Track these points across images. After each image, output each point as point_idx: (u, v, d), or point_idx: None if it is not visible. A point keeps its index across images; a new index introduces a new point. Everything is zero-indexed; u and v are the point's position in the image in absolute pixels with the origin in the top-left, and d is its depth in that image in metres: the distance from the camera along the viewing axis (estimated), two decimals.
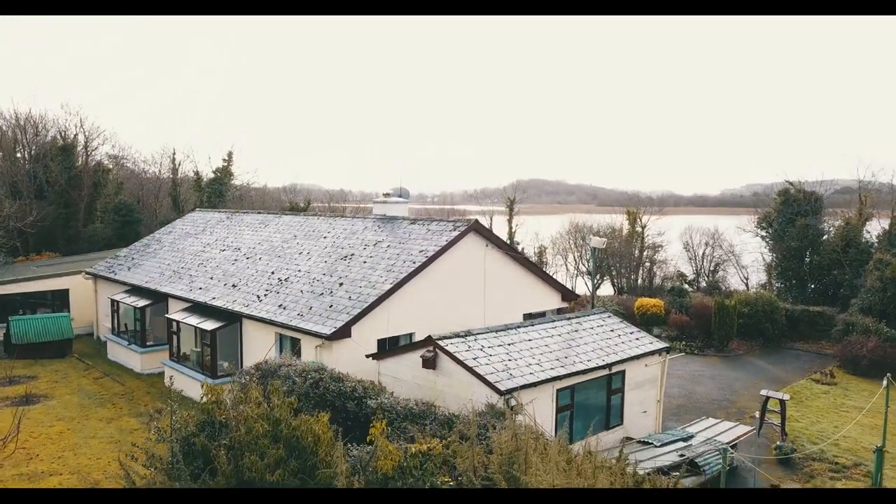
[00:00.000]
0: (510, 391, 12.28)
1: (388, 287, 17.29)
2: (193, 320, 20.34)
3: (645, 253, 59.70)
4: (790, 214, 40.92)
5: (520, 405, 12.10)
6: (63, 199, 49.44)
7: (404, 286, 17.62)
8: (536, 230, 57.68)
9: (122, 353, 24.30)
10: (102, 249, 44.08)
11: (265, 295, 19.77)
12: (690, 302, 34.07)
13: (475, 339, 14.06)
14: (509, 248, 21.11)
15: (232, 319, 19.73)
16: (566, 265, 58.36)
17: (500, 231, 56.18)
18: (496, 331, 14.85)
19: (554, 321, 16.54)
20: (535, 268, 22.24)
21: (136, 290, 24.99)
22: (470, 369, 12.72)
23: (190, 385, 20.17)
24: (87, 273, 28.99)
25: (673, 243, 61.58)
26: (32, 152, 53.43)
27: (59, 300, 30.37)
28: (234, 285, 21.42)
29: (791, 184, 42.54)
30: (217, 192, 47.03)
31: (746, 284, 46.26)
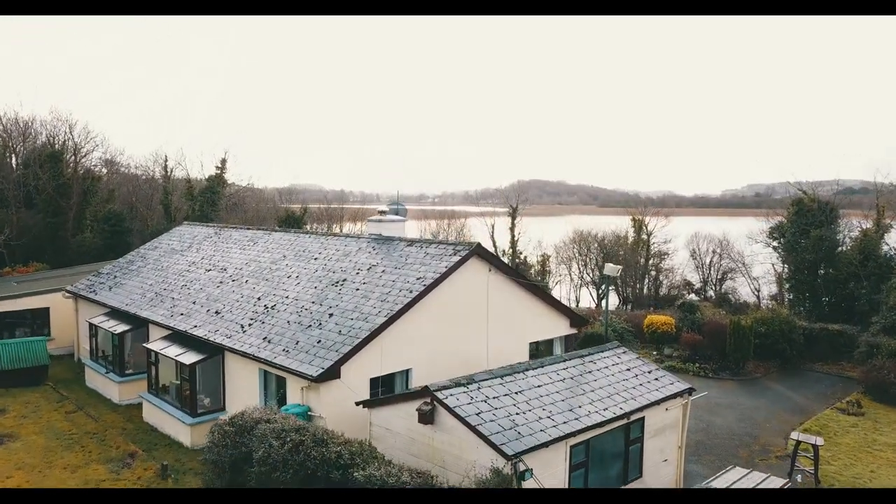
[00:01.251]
0: (518, 455, 10.73)
1: (381, 321, 15.73)
2: (173, 351, 18.80)
3: (651, 261, 58.21)
4: (803, 225, 39.30)
5: (529, 470, 10.57)
6: (51, 207, 47.91)
7: (400, 319, 16.07)
8: (539, 238, 56.10)
9: (100, 381, 22.76)
10: (91, 261, 42.57)
11: (250, 325, 18.22)
12: (703, 319, 32.49)
13: (478, 388, 12.49)
14: (514, 273, 19.57)
15: (214, 352, 18.18)
16: (570, 274, 56.81)
17: (503, 239, 54.66)
18: (501, 375, 13.28)
19: (564, 360, 14.97)
20: (542, 292, 20.68)
21: (115, 312, 23.44)
22: (472, 428, 11.17)
23: (168, 422, 18.65)
24: (67, 292, 27.44)
25: (679, 251, 60.10)
26: (21, 158, 52.10)
27: (39, 320, 28.85)
28: (217, 312, 19.86)
29: (804, 193, 40.94)
30: (209, 200, 45.51)
31: (758, 296, 44.67)
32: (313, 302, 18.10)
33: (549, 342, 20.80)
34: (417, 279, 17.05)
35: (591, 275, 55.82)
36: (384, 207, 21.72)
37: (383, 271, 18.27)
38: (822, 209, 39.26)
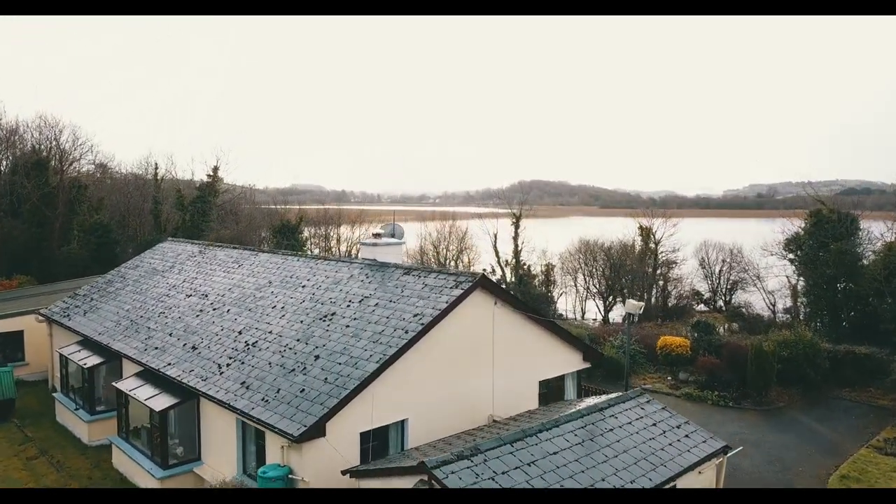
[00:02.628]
0: None
1: (372, 367, 13.86)
2: (144, 393, 16.94)
3: (658, 271, 56.30)
4: (822, 237, 37.38)
5: None
6: (36, 217, 46.09)
7: (394, 363, 14.20)
8: (543, 246, 54.16)
9: (70, 418, 20.91)
10: (78, 274, 40.79)
11: (228, 365, 16.35)
12: (720, 340, 30.58)
13: (484, 461, 10.63)
14: (522, 306, 17.70)
15: (188, 396, 16.31)
16: (576, 285, 54.90)
17: (505, 247, 52.74)
18: (511, 441, 11.40)
19: (581, 415, 13.08)
20: (552, 324, 18.81)
21: (88, 342, 21.59)
22: None
23: (138, 472, 16.79)
24: (41, 315, 25.60)
25: (689, 260, 58.20)
26: (8, 165, 50.30)
27: (13, 344, 27.07)
28: (194, 347, 18.00)
29: (822, 203, 39.04)
30: (200, 210, 43.64)
31: (773, 311, 42.68)
32: (298, 339, 16.23)
33: (561, 379, 18.94)
34: (414, 316, 15.17)
35: (597, 286, 53.92)
36: (379, 230, 19.87)
37: (377, 304, 16.41)
38: (841, 220, 37.36)
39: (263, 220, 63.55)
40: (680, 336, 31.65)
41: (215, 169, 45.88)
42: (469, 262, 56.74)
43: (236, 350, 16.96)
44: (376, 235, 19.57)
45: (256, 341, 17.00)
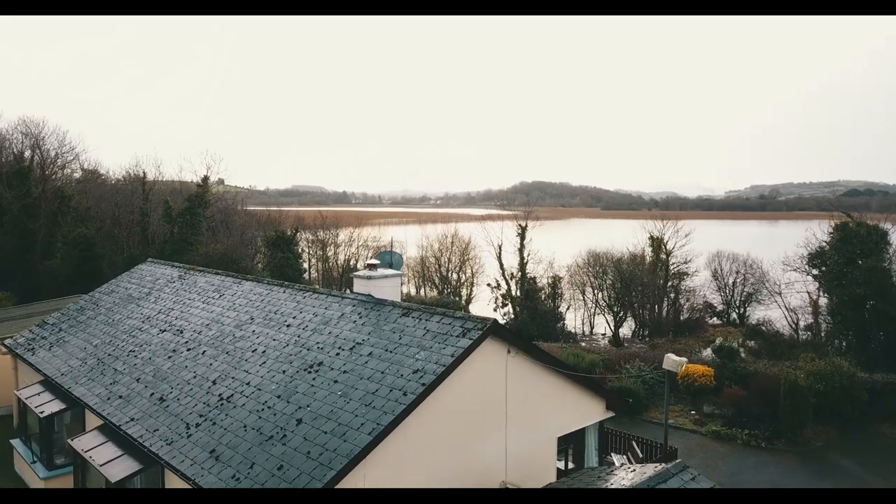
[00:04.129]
0: None
1: (364, 440, 11.56)
2: (102, 455, 14.64)
3: (670, 282, 53.99)
4: (849, 253, 35.09)
5: None
6: (18, 229, 43.88)
7: (391, 433, 11.90)
8: (549, 256, 51.77)
9: (27, 470, 18.65)
10: (58, 292, 38.58)
11: (197, 425, 14.04)
12: (746, 369, 28.25)
13: None
14: (540, 354, 15.39)
15: (151, 462, 14.01)
16: (584, 299, 52.55)
17: (510, 259, 50.36)
18: None
19: (615, 489, 10.74)
20: (572, 371, 16.50)
21: (49, 384, 19.31)
22: None
23: None
24: (4, 347, 23.33)
25: (701, 272, 55.91)
26: None
27: None
28: (162, 399, 15.70)
29: (849, 216, 36.72)
30: (189, 223, 41.32)
31: (796, 330, 40.29)
32: (279, 396, 13.92)
33: (582, 432, 16.64)
34: (414, 372, 12.87)
35: (606, 300, 51.58)
36: (374, 260, 17.53)
37: (370, 354, 14.10)
38: (870, 234, 35.05)
39: (259, 229, 61.30)
40: (701, 363, 29.34)
41: (205, 179, 43.61)
42: (472, 274, 54.48)
43: (208, 406, 14.64)
44: (371, 267, 17.25)
45: (232, 395, 14.69)
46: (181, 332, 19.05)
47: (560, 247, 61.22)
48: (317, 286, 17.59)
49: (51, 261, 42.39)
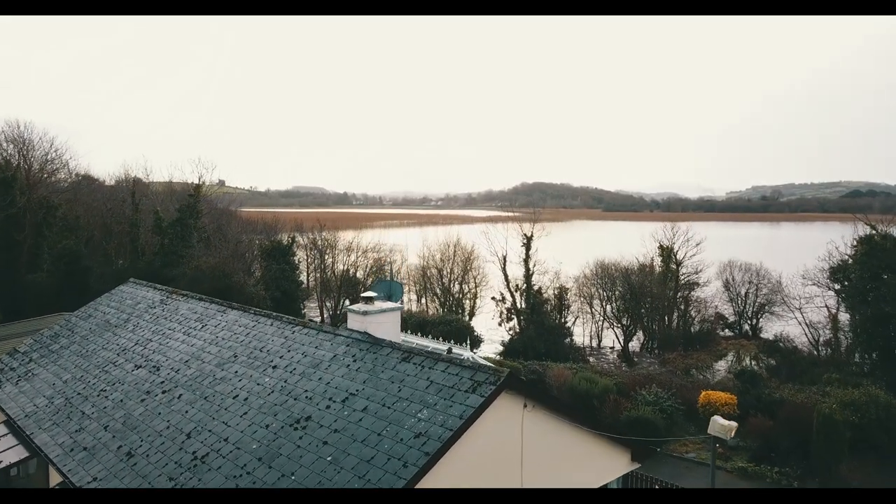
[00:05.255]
0: None
1: None
2: None
3: (680, 293, 52.11)
4: (874, 267, 33.23)
5: None
6: (2, 240, 42.08)
7: None
8: (555, 266, 49.83)
9: None
10: (43, 307, 36.86)
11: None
12: (770, 396, 26.38)
13: None
14: (559, 406, 13.53)
15: None
16: (591, 311, 50.65)
17: (516, 270, 48.44)
18: None
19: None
20: (593, 423, 14.65)
21: (12, 426, 17.47)
22: None
23: None
24: None
25: (713, 282, 54.04)
26: None
27: None
28: (130, 454, 13.86)
29: (874, 229, 34.87)
30: (180, 235, 39.48)
31: (816, 347, 38.38)
32: (260, 459, 12.08)
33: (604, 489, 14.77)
34: (416, 437, 11.03)
35: (615, 311, 49.71)
36: (371, 293, 15.65)
37: (365, 409, 12.26)
38: None
39: (254, 236, 59.47)
40: (723, 389, 27.45)
41: (197, 188, 41.72)
42: (476, 285, 52.59)
43: (180, 465, 12.80)
44: (367, 300, 15.40)
45: (207, 453, 12.84)
46: (158, 368, 17.21)
47: (564, 252, 59.34)
48: (307, 320, 15.81)
49: (36, 274, 40.58)
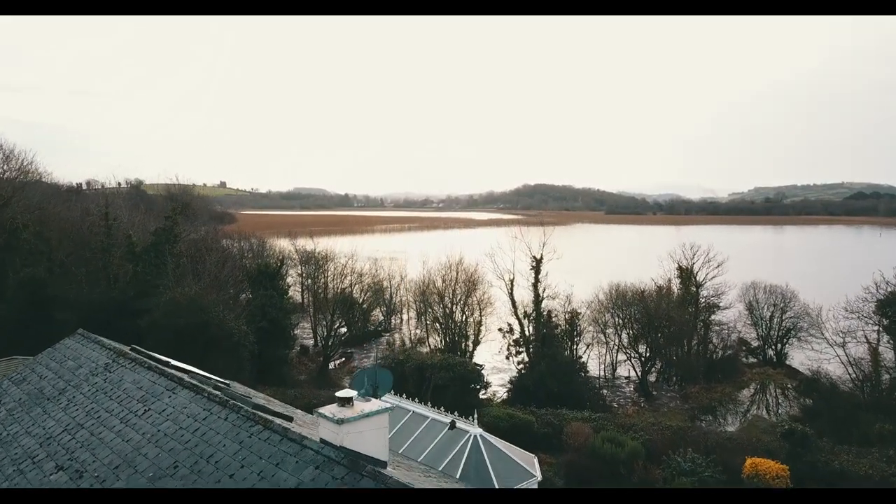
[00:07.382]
0: None
1: None
2: None
3: (700, 317, 48.39)
4: None
5: None
6: None
7: None
8: (568, 292, 46.03)
9: None
10: (6, 342, 33.30)
11: None
12: (828, 465, 22.63)
13: None
14: None
15: None
16: (605, 338, 46.88)
17: (524, 294, 44.63)
18: None
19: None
20: None
21: None
22: None
23: None
24: None
25: (735, 305, 50.33)
26: None
27: None
28: None
29: None
30: (154, 262, 35.77)
31: (862, 390, 34.52)
32: None
33: None
34: None
35: (630, 339, 45.98)
36: (349, 392, 11.91)
37: None
38: None
39: (240, 258, 55.95)
40: (770, 457, 23.65)
41: (174, 210, 38.04)
42: (480, 308, 48.81)
43: None
44: (343, 402, 11.68)
45: None
46: (80, 475, 13.52)
47: (574, 269, 55.67)
48: (271, 417, 12.21)
49: None
